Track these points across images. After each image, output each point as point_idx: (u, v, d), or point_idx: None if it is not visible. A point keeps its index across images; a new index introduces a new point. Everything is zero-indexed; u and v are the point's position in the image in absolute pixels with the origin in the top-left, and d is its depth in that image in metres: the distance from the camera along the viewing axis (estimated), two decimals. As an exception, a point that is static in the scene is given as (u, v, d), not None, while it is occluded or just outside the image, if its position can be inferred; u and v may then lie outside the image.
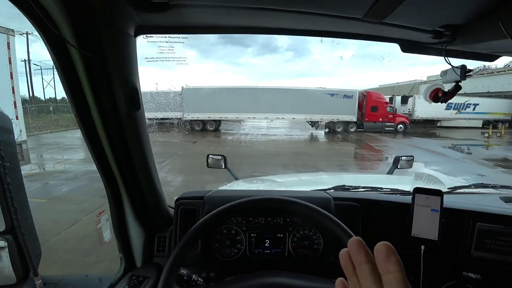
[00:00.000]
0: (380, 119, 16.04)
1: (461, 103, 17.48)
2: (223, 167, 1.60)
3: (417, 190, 0.90)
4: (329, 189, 1.22)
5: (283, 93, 15.83)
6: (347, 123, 16.33)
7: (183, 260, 0.67)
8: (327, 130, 16.84)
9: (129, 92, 0.68)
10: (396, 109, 16.41)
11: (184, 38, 0.77)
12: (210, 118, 15.55)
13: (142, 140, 0.77)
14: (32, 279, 0.71)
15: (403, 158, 1.65)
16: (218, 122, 16.05)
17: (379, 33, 0.82)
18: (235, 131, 16.14)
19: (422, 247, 0.87)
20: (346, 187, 1.25)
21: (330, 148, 11.10)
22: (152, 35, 0.73)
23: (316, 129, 17.13)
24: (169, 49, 0.82)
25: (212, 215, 0.72)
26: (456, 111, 17.66)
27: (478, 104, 17.63)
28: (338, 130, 16.28)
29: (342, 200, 0.99)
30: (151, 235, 0.95)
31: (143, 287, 0.81)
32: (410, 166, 1.67)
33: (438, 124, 18.40)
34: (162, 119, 14.47)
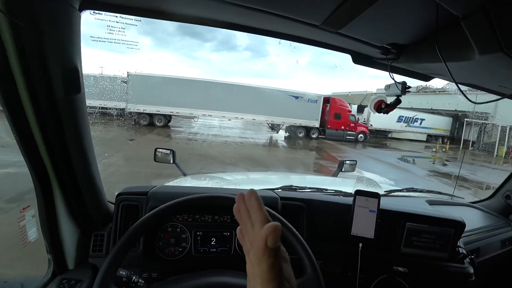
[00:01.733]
0: (342, 127, 16.81)
1: (411, 117, 20.07)
2: (171, 162, 1.63)
3: (358, 193, 1.07)
4: (277, 188, 1.33)
5: (245, 91, 15.56)
6: (309, 129, 16.73)
7: (122, 260, 0.67)
8: (287, 134, 17.14)
9: (68, 72, 0.66)
10: (358, 118, 17.55)
11: (137, 21, 0.77)
12: (159, 112, 14.51)
13: (81, 127, 0.75)
14: None
15: (347, 162, 1.93)
16: (168, 118, 15.13)
17: (334, 42, 0.94)
18: (183, 129, 15.27)
19: (360, 244, 1.03)
20: (293, 187, 1.38)
21: (292, 157, 10.92)
22: (101, 12, 0.72)
23: (277, 132, 17.34)
24: (119, 31, 0.81)
25: (155, 212, 0.74)
26: (406, 124, 20.19)
27: (424, 119, 20.54)
28: (300, 135, 16.59)
29: (288, 200, 1.09)
30: (86, 233, 0.92)
31: None
32: (353, 170, 1.95)
33: (389, 135, 20.75)
34: (92, 108, 12.76)
